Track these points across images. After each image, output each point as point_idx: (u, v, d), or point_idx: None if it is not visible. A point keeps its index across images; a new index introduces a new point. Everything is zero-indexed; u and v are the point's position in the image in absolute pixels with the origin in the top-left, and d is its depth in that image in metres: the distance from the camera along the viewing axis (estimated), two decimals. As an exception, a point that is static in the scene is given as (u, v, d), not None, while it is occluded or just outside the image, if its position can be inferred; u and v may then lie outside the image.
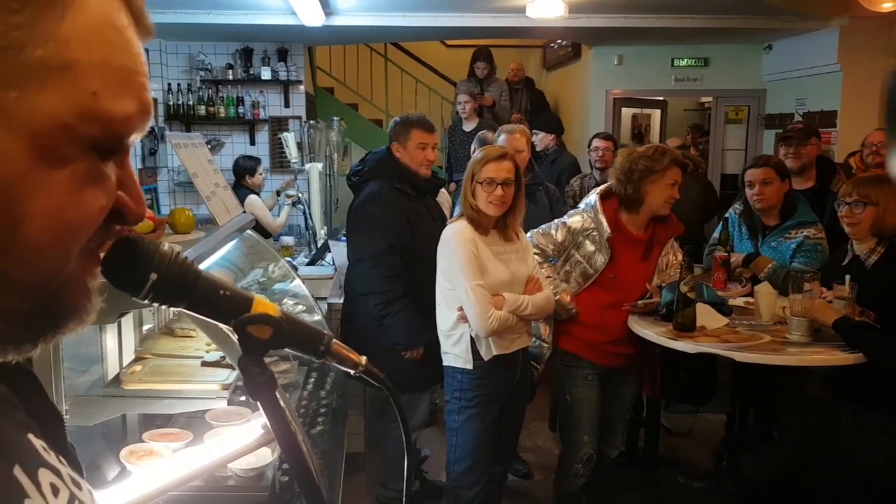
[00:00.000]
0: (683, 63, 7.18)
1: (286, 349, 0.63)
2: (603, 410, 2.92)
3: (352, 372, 0.68)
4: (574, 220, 2.89)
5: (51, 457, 0.53)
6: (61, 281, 0.49)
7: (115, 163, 0.50)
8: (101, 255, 0.54)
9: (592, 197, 2.89)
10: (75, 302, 0.50)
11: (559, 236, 2.87)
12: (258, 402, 0.58)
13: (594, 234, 2.82)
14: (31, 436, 0.53)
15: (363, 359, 0.69)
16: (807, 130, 4.04)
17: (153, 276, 0.57)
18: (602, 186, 2.95)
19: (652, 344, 2.81)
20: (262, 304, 0.61)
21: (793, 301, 2.63)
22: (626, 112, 7.35)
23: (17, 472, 0.48)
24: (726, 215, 3.63)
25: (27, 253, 0.46)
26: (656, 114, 7.72)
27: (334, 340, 0.65)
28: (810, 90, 6.31)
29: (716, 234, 3.56)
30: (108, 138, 0.48)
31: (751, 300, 2.99)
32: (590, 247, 2.82)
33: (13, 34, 0.43)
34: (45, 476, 0.51)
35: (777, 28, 6.00)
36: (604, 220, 2.80)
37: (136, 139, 0.51)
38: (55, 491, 0.51)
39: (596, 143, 4.83)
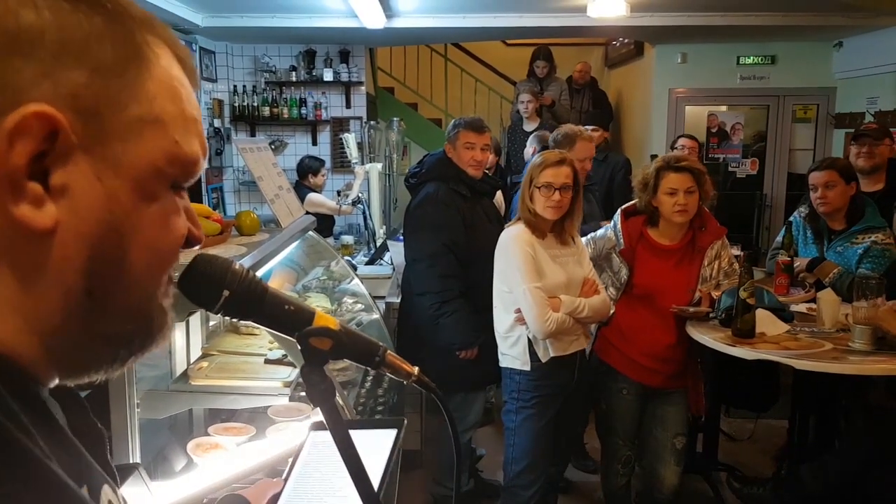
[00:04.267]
0: (749, 61, 6.99)
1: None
2: (644, 429, 2.92)
3: (405, 381, 0.72)
4: (600, 234, 2.94)
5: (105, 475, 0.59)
6: (155, 304, 0.56)
7: (180, 196, 0.58)
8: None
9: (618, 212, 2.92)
10: (161, 321, 0.57)
11: (592, 251, 2.89)
12: (319, 409, 0.63)
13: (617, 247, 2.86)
14: (88, 455, 0.59)
15: (415, 369, 0.73)
16: (882, 130, 3.90)
17: (225, 293, 0.63)
18: (629, 203, 2.94)
19: (695, 361, 2.79)
20: (323, 318, 0.65)
21: (856, 308, 2.57)
22: (690, 110, 7.21)
23: (85, 492, 0.53)
24: (790, 219, 3.54)
25: (131, 281, 0.53)
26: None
27: (388, 352, 0.69)
28: (882, 89, 6.06)
29: (779, 238, 3.47)
30: (186, 176, 0.56)
31: (813, 306, 2.92)
32: (616, 260, 2.84)
33: (120, 96, 0.51)
34: (105, 494, 0.57)
35: (847, 25, 5.78)
36: (620, 233, 2.83)
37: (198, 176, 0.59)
38: None
39: (682, 141, 4.78)
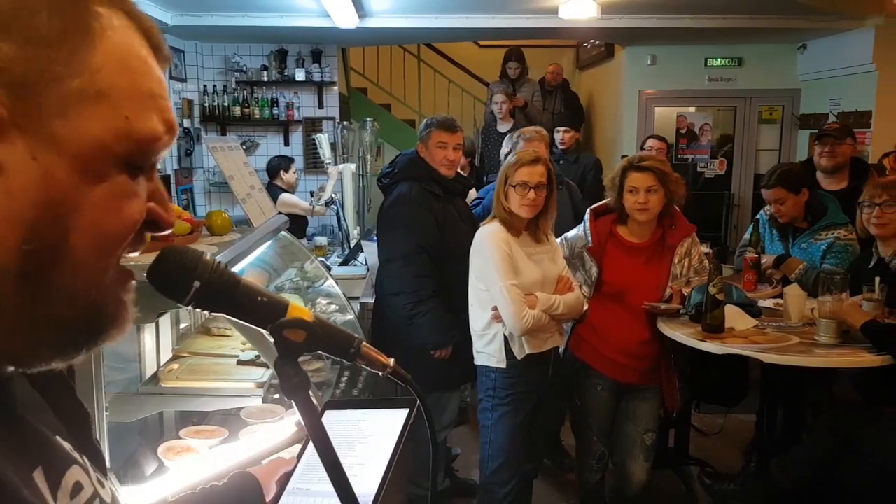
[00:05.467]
0: (717, 63, 7.10)
1: (319, 351, 0.67)
2: (615, 425, 2.96)
3: (380, 373, 0.72)
4: (572, 234, 2.97)
5: (79, 457, 0.58)
6: (102, 290, 0.53)
7: (145, 177, 0.55)
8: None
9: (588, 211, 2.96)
10: (114, 312, 0.55)
11: (565, 251, 2.92)
12: (293, 402, 0.63)
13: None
14: (58, 438, 0.57)
15: (391, 360, 0.73)
16: (843, 129, 3.99)
17: (196, 283, 0.62)
18: (599, 203, 2.98)
19: (668, 357, 2.83)
20: (297, 310, 0.65)
21: (821, 303, 2.62)
22: (659, 111, 7.30)
23: (37, 475, 0.52)
24: (757, 217, 3.61)
25: (73, 264, 0.50)
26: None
27: (364, 343, 0.69)
28: (845, 90, 6.20)
29: (746, 236, 3.54)
30: (139, 155, 0.53)
31: (780, 302, 2.97)
32: (588, 259, 2.88)
33: (55, 68, 0.48)
34: (71, 476, 0.56)
35: (812, 28, 5.91)
36: (588, 232, 2.86)
37: (163, 156, 0.56)
38: (77, 489, 0.56)
39: (650, 142, 4.84)
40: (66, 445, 0.58)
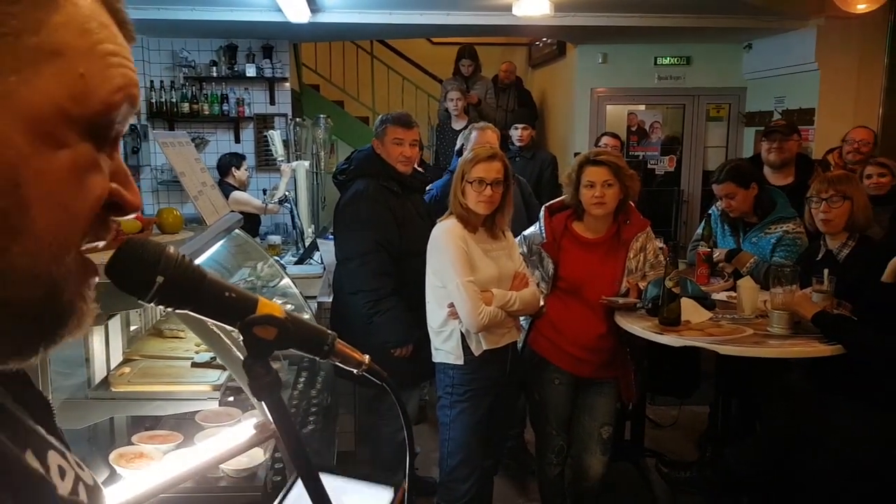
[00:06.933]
0: (666, 61, 7.23)
1: (291, 349, 0.64)
2: (573, 418, 2.98)
3: (355, 371, 0.69)
4: (529, 232, 2.98)
5: (54, 440, 0.55)
6: (63, 272, 0.49)
7: (107, 155, 0.52)
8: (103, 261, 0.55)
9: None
10: (74, 301, 0.51)
11: (524, 248, 2.93)
12: (263, 403, 0.60)
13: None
14: (31, 422, 0.54)
15: (366, 357, 0.70)
16: (790, 126, 4.10)
17: (160, 278, 0.58)
18: (555, 200, 2.99)
19: (625, 351, 2.86)
20: (268, 306, 0.62)
21: (773, 295, 2.69)
22: (611, 109, 7.39)
23: (29, 456, 0.50)
24: (709, 212, 3.68)
25: (33, 238, 0.47)
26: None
27: (338, 340, 0.66)
28: (789, 88, 6.38)
29: (699, 231, 3.60)
30: (101, 116, 0.50)
31: (733, 294, 3.03)
32: (544, 255, 2.89)
33: (11, 22, 0.45)
34: (53, 458, 0.53)
35: (756, 27, 6.07)
36: (543, 228, 2.88)
37: (126, 122, 0.53)
38: (62, 473, 0.53)
39: (605, 140, 4.88)
40: (41, 430, 0.54)
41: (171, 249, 0.58)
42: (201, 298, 0.60)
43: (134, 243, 0.57)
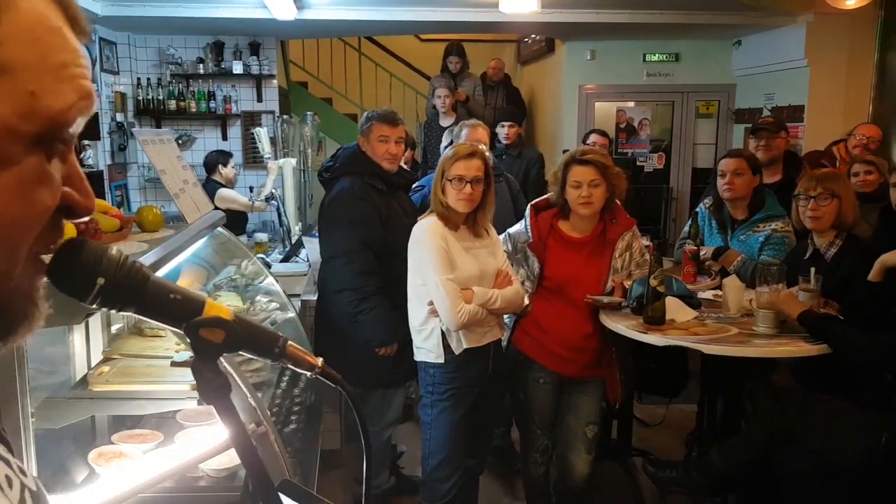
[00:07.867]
0: (655, 58, 7.22)
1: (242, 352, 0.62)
2: (558, 417, 2.96)
3: (309, 374, 0.68)
4: (515, 230, 2.96)
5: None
6: (11, 282, 0.48)
7: (60, 159, 0.50)
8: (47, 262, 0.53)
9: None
10: (24, 307, 0.50)
11: (508, 246, 2.91)
12: (213, 407, 0.58)
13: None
14: None
15: (319, 360, 0.69)
16: (778, 123, 4.10)
17: (100, 280, 0.56)
18: (540, 198, 2.98)
19: (610, 350, 2.85)
20: (215, 307, 0.60)
21: (759, 294, 2.68)
22: (600, 106, 7.39)
23: None
24: (696, 209, 3.67)
25: None
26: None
27: (290, 343, 0.65)
28: (778, 85, 6.38)
29: (686, 229, 3.59)
30: (53, 131, 0.48)
31: (719, 293, 3.02)
32: (529, 253, 2.87)
33: None
34: (0, 469, 0.51)
35: (746, 24, 6.07)
36: (529, 227, 2.86)
37: (79, 126, 0.51)
38: (9, 482, 0.52)
39: (593, 137, 4.87)
40: None
41: (114, 251, 0.57)
42: (145, 300, 0.59)
43: (74, 245, 0.56)
